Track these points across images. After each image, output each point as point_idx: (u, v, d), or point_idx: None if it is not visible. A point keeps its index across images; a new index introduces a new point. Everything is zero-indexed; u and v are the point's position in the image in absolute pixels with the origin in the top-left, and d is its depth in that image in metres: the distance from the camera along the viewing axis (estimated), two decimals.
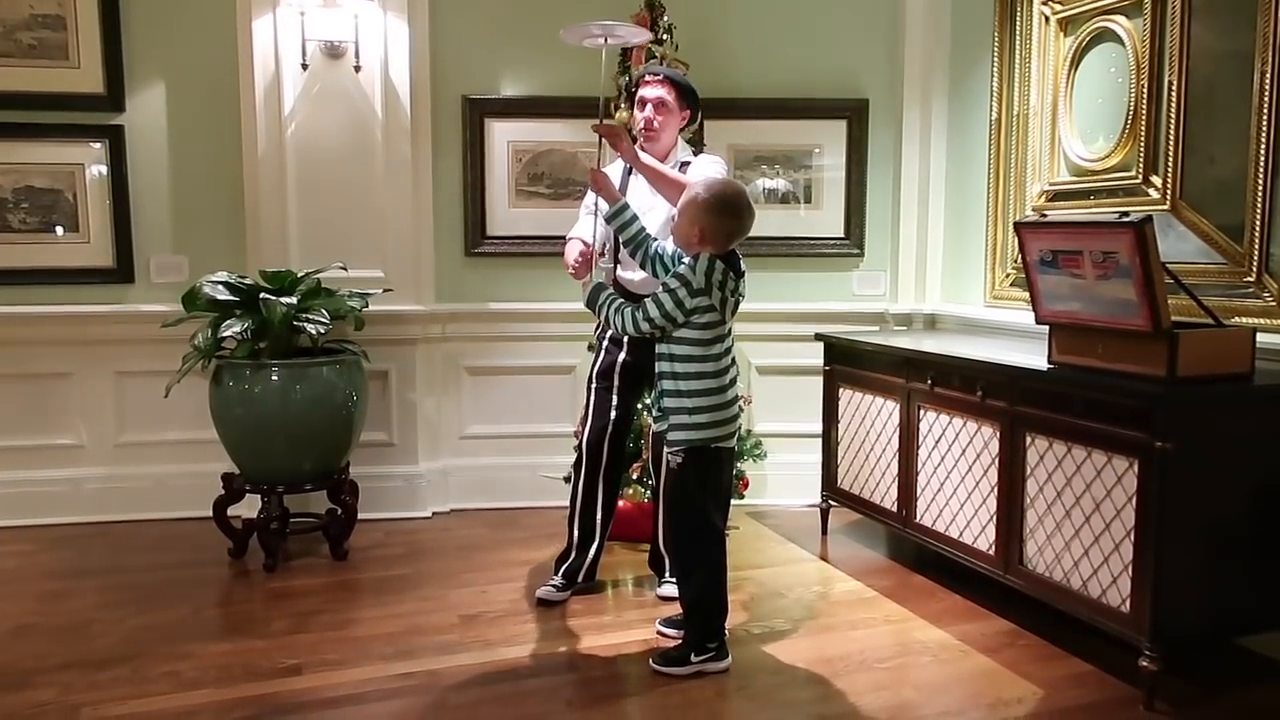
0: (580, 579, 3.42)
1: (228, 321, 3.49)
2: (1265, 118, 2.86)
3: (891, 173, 4.62)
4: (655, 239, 2.98)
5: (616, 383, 3.36)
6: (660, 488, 3.54)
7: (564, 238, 4.38)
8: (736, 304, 2.78)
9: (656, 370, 2.84)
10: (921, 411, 3.54)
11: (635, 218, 2.97)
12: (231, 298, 3.59)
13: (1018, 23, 3.91)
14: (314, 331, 3.54)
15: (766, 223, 3.99)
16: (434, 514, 4.44)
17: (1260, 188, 2.89)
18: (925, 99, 4.52)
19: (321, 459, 3.79)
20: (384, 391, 4.36)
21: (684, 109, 3.31)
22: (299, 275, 3.74)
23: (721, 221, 2.70)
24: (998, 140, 4.09)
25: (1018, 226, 2.96)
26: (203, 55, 4.26)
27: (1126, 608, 2.63)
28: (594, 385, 3.41)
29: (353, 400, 3.81)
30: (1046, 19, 3.71)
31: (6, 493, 4.27)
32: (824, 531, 4.13)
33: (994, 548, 3.16)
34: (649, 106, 3.28)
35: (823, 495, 4.17)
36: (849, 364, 3.98)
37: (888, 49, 4.57)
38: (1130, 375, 2.68)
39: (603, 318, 2.88)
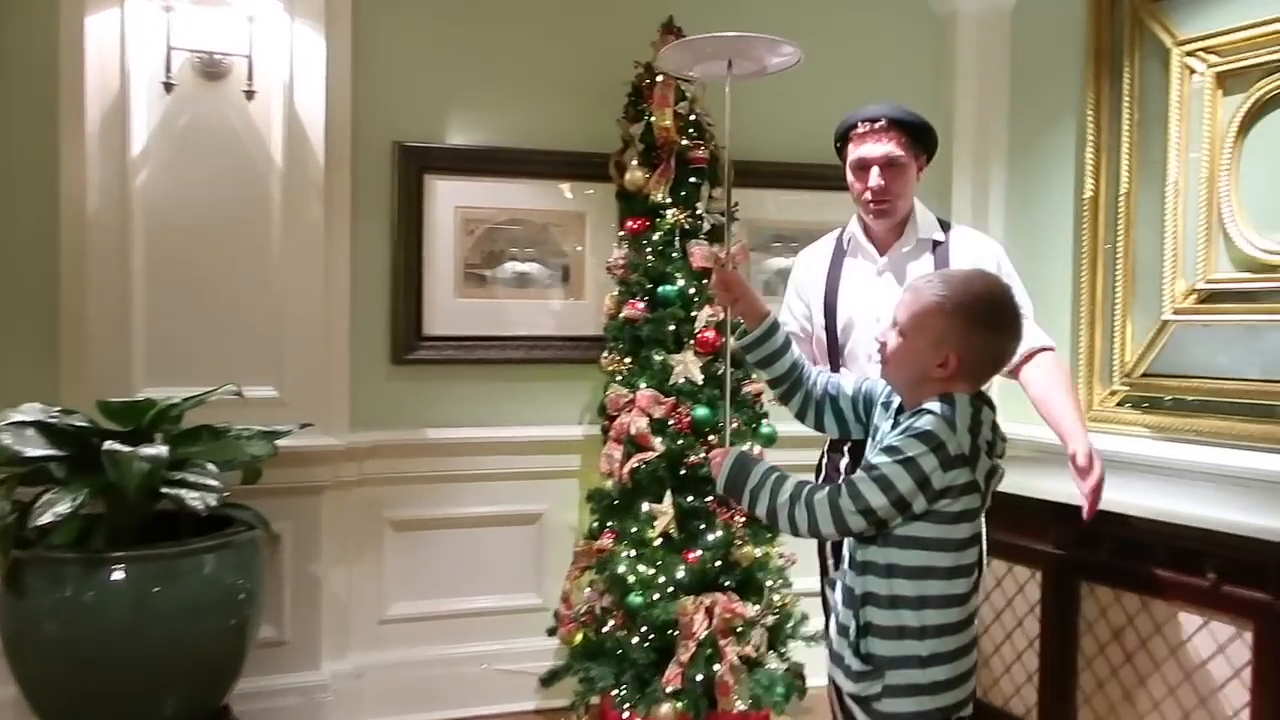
0: None
1: (49, 497, 2.06)
2: None
3: None
4: (820, 369, 1.89)
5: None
6: None
7: (530, 339, 3.32)
8: (1000, 476, 1.70)
9: (851, 587, 1.71)
10: (1087, 592, 2.57)
11: (787, 345, 1.89)
12: (51, 450, 2.16)
13: (1128, 79, 3.12)
14: (199, 504, 2.16)
15: None
16: None
17: None
18: (980, 168, 3.69)
19: (193, 698, 2.39)
20: (274, 564, 2.94)
21: (919, 156, 2.28)
22: (165, 406, 2.35)
23: (988, 341, 1.67)
24: (1093, 224, 3.27)
25: None
26: (4, 63, 2.82)
27: None
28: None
29: (246, 600, 2.43)
30: (1192, 71, 2.93)
31: None
32: None
33: None
34: (875, 171, 2.22)
35: None
36: None
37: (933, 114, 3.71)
38: None
39: (757, 509, 1.72)
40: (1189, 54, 2.93)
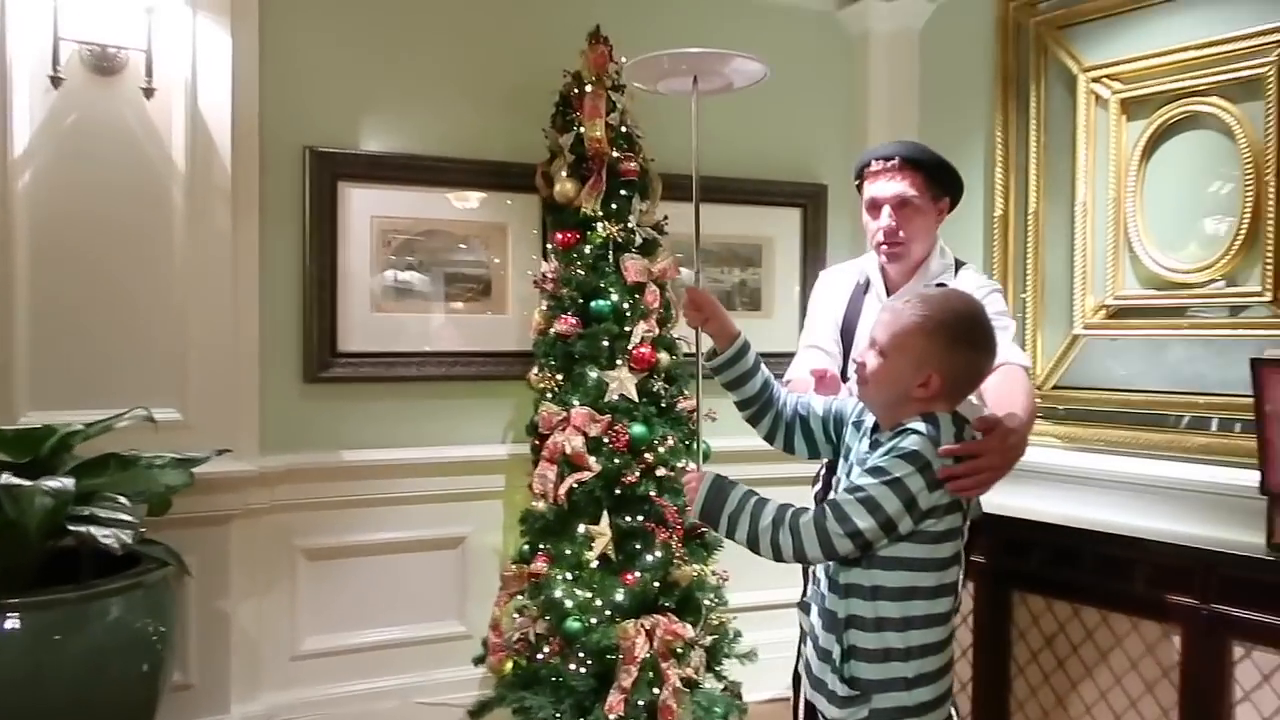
0: None
1: None
2: None
3: None
4: (795, 392, 1.86)
5: None
6: None
7: (450, 355, 3.19)
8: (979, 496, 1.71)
9: (833, 610, 1.69)
10: (1019, 600, 2.63)
11: (758, 366, 1.85)
12: None
13: (1035, 102, 3.24)
14: (113, 542, 1.95)
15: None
16: None
17: None
18: None
19: None
20: (178, 601, 2.71)
21: (940, 199, 2.21)
22: (66, 434, 2.13)
23: (970, 359, 1.67)
24: (1003, 241, 3.38)
25: (1259, 365, 2.16)
26: None
27: None
28: None
29: (158, 642, 2.22)
30: (1098, 98, 3.06)
31: None
32: None
33: None
34: (885, 211, 2.16)
35: None
36: None
37: (846, 131, 3.78)
38: None
39: (736, 535, 1.67)
40: (1094, 80, 3.06)
